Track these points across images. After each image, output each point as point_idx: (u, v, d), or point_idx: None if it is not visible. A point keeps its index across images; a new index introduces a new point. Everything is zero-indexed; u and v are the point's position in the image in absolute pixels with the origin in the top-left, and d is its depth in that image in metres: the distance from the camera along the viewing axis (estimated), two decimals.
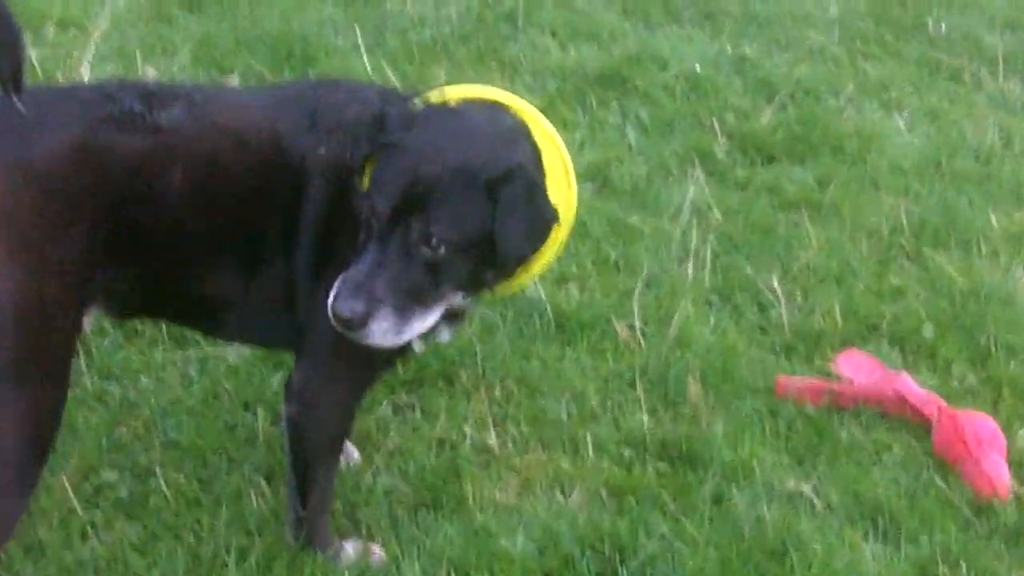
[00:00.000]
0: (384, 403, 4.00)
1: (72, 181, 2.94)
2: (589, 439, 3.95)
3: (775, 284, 4.63)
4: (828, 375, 4.31)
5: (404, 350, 3.37)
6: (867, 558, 3.60)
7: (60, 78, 5.23)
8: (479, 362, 4.20)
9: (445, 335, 3.44)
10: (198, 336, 4.15)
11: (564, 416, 4.06)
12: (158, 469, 3.68)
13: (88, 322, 3.21)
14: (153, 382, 4.03)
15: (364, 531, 3.59)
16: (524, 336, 4.35)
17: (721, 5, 6.60)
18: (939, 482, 3.91)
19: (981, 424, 4.02)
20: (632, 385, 4.19)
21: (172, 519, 3.55)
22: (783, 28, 6.45)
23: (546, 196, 3.13)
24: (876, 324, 4.54)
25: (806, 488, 3.83)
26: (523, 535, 3.55)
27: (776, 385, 4.23)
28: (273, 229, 3.27)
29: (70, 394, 3.33)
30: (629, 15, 6.44)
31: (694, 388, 4.17)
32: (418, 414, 4.02)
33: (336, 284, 3.08)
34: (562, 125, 5.41)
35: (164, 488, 3.62)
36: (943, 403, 4.13)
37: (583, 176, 5.07)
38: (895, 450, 4.03)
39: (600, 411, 4.10)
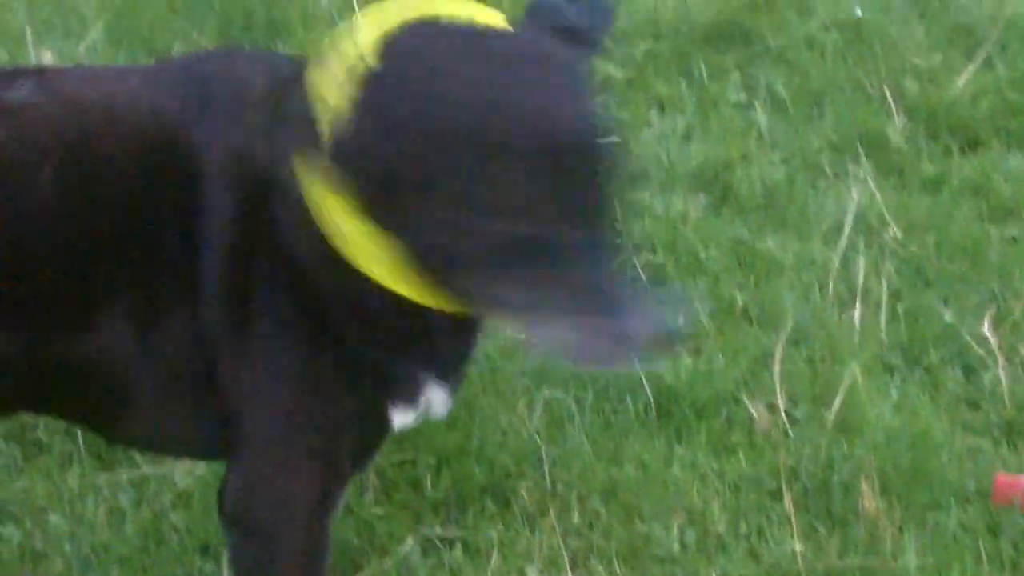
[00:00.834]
0: (408, 539, 3.99)
1: None
2: None
3: (987, 334, 4.59)
4: None
5: (383, 427, 3.40)
6: None
7: None
8: (546, 471, 4.18)
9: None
10: (128, 454, 4.19)
11: (676, 547, 4.03)
12: None
13: None
14: (68, 520, 4.04)
15: None
16: (612, 428, 4.33)
17: None
18: None
19: None
20: (777, 496, 4.15)
21: None
22: None
23: None
24: None
25: None
26: None
27: (995, 487, 4.18)
28: (167, 259, 3.26)
29: None
30: None
31: (870, 496, 4.12)
32: (458, 552, 4.00)
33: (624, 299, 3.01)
34: (658, 105, 5.44)
35: None
36: None
37: (691, 182, 5.10)
38: None
39: (729, 538, 4.06)
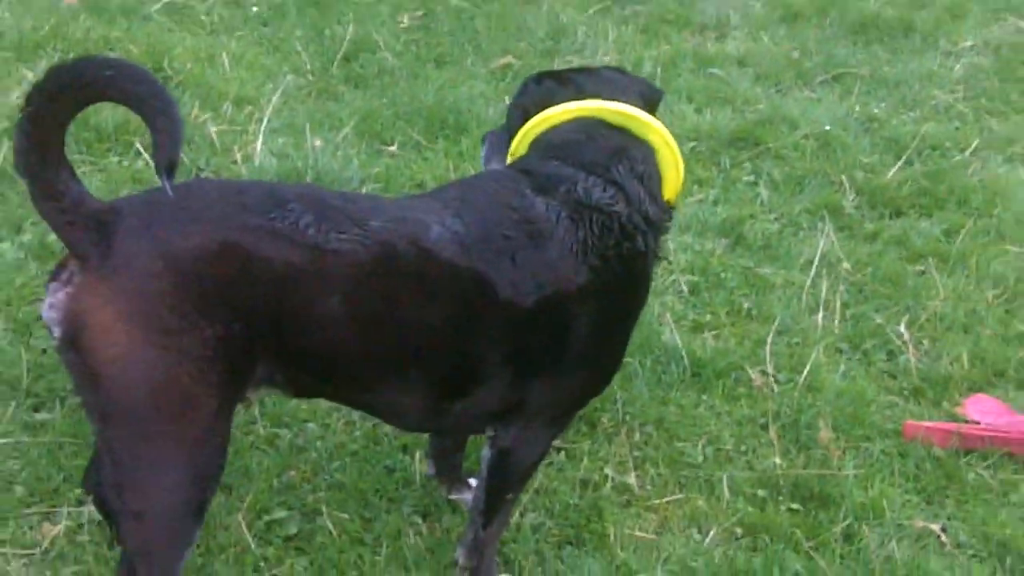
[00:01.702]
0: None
1: (211, 278, 2.83)
2: (724, 480, 3.93)
3: (903, 332, 4.60)
4: (955, 418, 4.25)
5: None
6: None
7: (236, 151, 5.34)
8: (619, 407, 4.19)
9: None
10: None
11: (700, 458, 4.05)
12: (324, 508, 3.72)
13: (258, 395, 3.23)
14: (319, 428, 4.05)
15: (515, 565, 3.59)
16: (662, 383, 4.34)
17: (850, 68, 6.56)
18: None
19: None
20: (765, 429, 4.17)
21: (336, 555, 3.59)
22: (910, 88, 6.40)
23: None
24: (1003, 369, 4.49)
25: (935, 527, 3.80)
26: (661, 571, 3.55)
27: (904, 428, 4.18)
28: (482, 359, 3.14)
29: (245, 440, 3.40)
30: (761, 80, 6.43)
31: (825, 432, 4.15)
32: (563, 456, 4.01)
33: None
34: (697, 183, 5.43)
35: (329, 526, 3.66)
36: None
37: (717, 231, 5.10)
38: (1022, 490, 3.98)
39: (735, 454, 4.09)
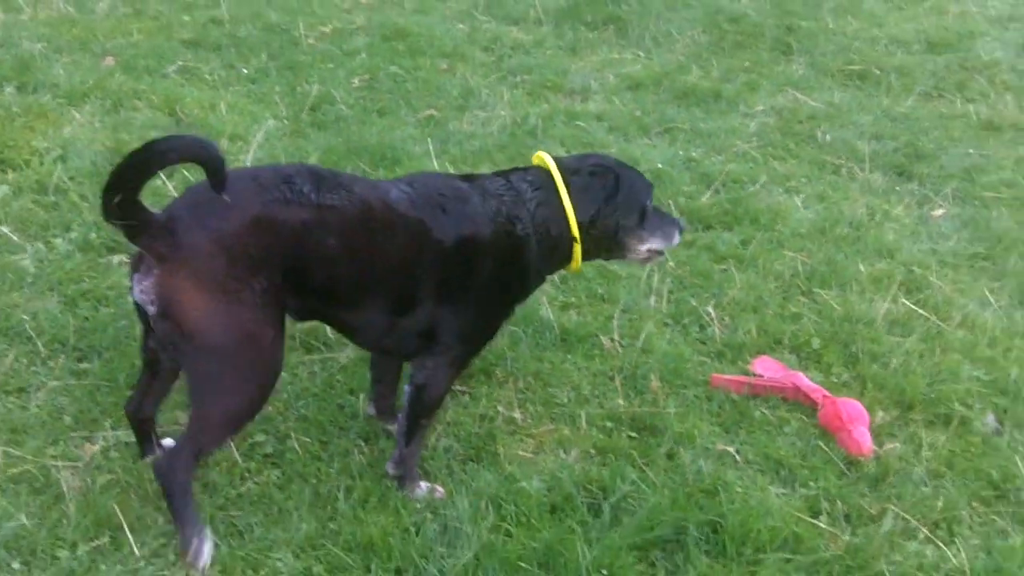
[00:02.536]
0: None
1: (251, 246, 3.01)
2: (583, 416, 3.95)
3: (711, 311, 4.63)
4: (747, 373, 4.30)
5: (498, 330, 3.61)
6: (772, 497, 3.61)
7: None
8: (508, 363, 4.21)
9: None
10: (320, 344, 4.20)
11: (566, 400, 4.06)
12: (292, 434, 3.72)
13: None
14: (288, 376, 4.03)
15: (432, 476, 3.61)
16: (539, 345, 4.35)
17: (677, 123, 6.59)
18: (823, 445, 3.91)
19: (852, 406, 4.02)
20: (612, 379, 4.19)
21: (302, 468, 3.60)
22: (718, 139, 6.44)
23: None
24: (780, 338, 4.53)
25: (731, 449, 3.84)
26: (538, 480, 3.57)
27: (711, 379, 4.22)
28: (420, 285, 3.33)
29: None
30: (613, 131, 6.44)
31: (655, 381, 4.17)
32: (467, 398, 4.03)
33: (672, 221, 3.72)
34: None
35: (296, 447, 3.66)
36: (826, 392, 4.13)
37: None
38: (792, 424, 4.03)
39: (591, 396, 4.10)
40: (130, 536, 3.21)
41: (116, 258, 4.52)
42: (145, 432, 3.49)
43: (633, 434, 3.90)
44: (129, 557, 3.17)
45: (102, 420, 3.70)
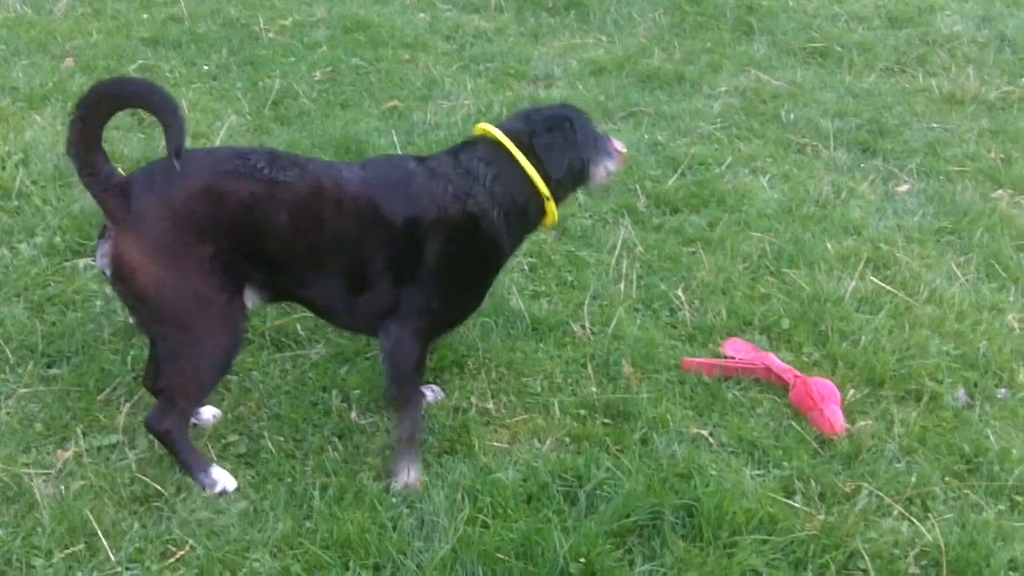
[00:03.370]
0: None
1: (199, 213, 3.14)
2: (556, 404, 3.95)
3: (680, 295, 4.64)
4: (718, 355, 4.30)
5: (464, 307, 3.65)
6: (747, 478, 3.62)
7: None
8: (480, 354, 4.20)
9: None
10: (291, 342, 4.18)
11: (539, 389, 4.06)
12: (266, 433, 3.71)
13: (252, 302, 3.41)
14: (261, 374, 4.03)
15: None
16: (511, 335, 4.34)
17: (641, 107, 6.59)
18: (795, 425, 3.92)
19: (823, 384, 4.03)
20: (584, 366, 4.19)
21: (275, 467, 3.59)
22: (683, 121, 6.44)
23: None
24: (750, 320, 4.55)
25: (705, 432, 3.85)
26: (512, 470, 3.58)
27: (682, 363, 4.23)
28: (372, 263, 3.39)
29: None
30: None
31: (627, 367, 4.17)
32: (440, 390, 4.02)
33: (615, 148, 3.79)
34: None
35: (270, 446, 3.65)
36: (797, 371, 4.14)
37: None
38: (765, 404, 4.05)
39: (563, 385, 4.10)
40: (105, 542, 3.20)
41: (82, 262, 4.49)
42: None
43: (607, 420, 3.90)
44: (105, 563, 3.16)
45: (73, 426, 3.67)
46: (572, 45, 7.59)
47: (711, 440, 3.82)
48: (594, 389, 4.06)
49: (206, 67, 6.76)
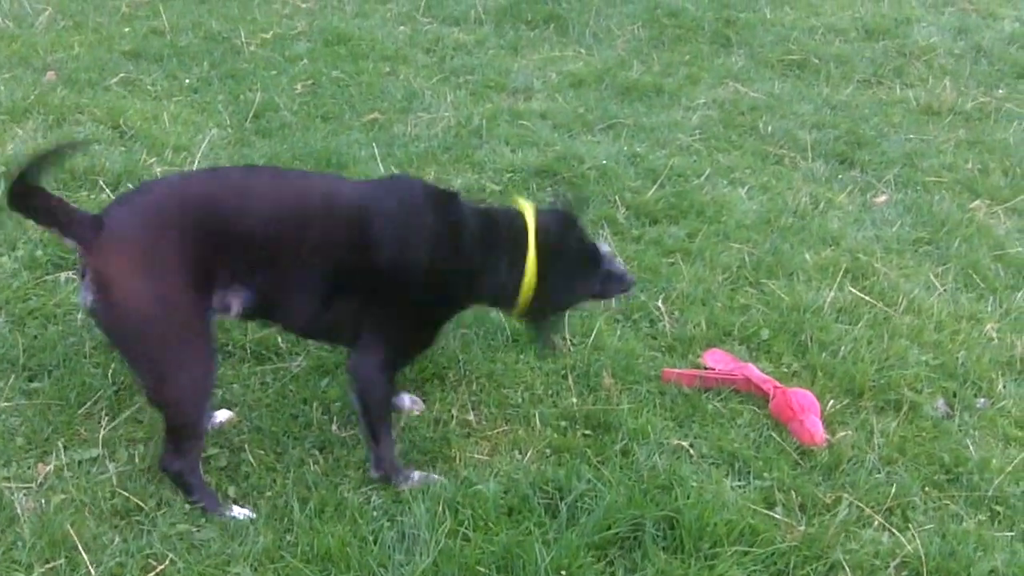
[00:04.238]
0: (399, 395, 3.98)
1: (169, 236, 3.09)
2: (537, 416, 3.94)
3: (660, 306, 4.64)
4: (698, 366, 4.30)
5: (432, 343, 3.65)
6: (727, 490, 3.62)
7: None
8: (461, 365, 4.19)
9: None
10: (271, 355, 4.16)
11: (519, 400, 4.05)
12: (246, 446, 3.69)
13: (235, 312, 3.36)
14: (241, 388, 4.00)
15: (389, 485, 3.59)
16: (491, 347, 4.32)
17: (620, 119, 6.59)
18: (776, 436, 3.93)
19: (803, 395, 4.04)
20: (565, 378, 4.18)
21: (257, 480, 3.57)
22: (661, 133, 6.44)
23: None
24: (730, 330, 4.55)
25: (685, 444, 3.85)
26: (493, 482, 3.56)
27: (663, 374, 4.22)
28: (349, 270, 3.35)
29: None
30: (558, 128, 6.42)
31: (607, 378, 4.17)
32: (417, 394, 4.01)
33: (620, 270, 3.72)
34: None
35: (251, 459, 3.63)
36: (777, 382, 4.14)
37: None
38: (745, 415, 4.04)
39: (544, 396, 4.09)
40: (85, 556, 3.17)
41: (63, 275, 4.45)
42: None
43: (587, 432, 3.89)
44: None
45: (54, 439, 3.64)
46: (551, 58, 7.59)
47: (692, 451, 3.82)
48: (574, 400, 4.05)
49: (187, 80, 6.73)
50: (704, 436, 3.91)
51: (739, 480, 3.71)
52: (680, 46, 8.01)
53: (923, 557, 3.38)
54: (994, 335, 4.62)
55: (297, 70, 6.98)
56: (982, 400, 4.24)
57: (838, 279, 4.89)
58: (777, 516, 3.52)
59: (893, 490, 3.67)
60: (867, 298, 4.79)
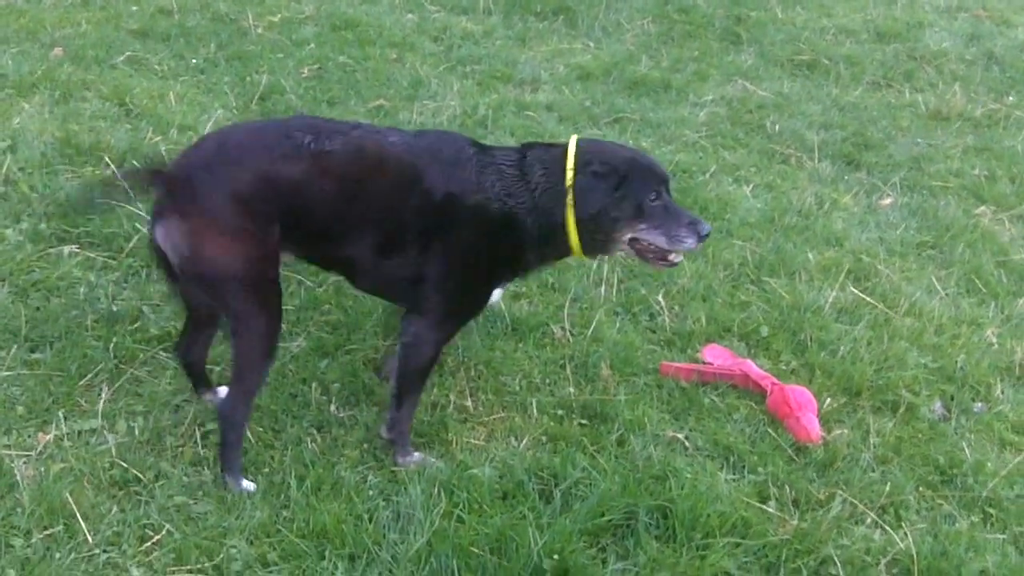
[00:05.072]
0: None
1: (260, 198, 3.34)
2: (534, 403, 4.02)
3: (661, 300, 4.70)
4: (697, 361, 4.37)
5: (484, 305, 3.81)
6: (721, 482, 3.70)
7: None
8: (460, 352, 4.25)
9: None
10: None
11: (517, 388, 4.12)
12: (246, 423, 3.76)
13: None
14: None
15: (382, 465, 3.67)
16: (490, 335, 4.39)
17: (627, 114, 6.65)
18: (771, 432, 4.00)
19: (800, 392, 4.11)
20: (563, 368, 4.25)
21: (255, 456, 3.64)
22: (668, 129, 6.50)
23: None
24: (729, 327, 4.62)
25: (681, 436, 3.92)
26: (489, 467, 3.64)
27: (661, 367, 4.30)
28: (406, 229, 3.50)
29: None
30: (564, 121, 6.48)
31: (605, 369, 4.24)
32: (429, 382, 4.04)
33: (687, 223, 3.56)
34: None
35: (250, 435, 3.69)
36: (775, 379, 4.22)
37: None
38: (741, 410, 4.12)
39: (541, 385, 4.16)
40: (83, 524, 3.25)
41: (67, 248, 4.52)
42: (195, 373, 3.85)
43: (584, 421, 3.97)
44: (83, 545, 3.21)
45: (55, 409, 3.72)
46: (559, 50, 7.65)
47: (687, 444, 3.89)
48: (572, 390, 4.12)
49: (194, 61, 6.79)
50: (700, 429, 3.98)
51: (733, 473, 3.78)
52: (689, 42, 8.08)
53: (914, 555, 3.45)
54: (994, 340, 4.70)
55: (304, 54, 7.04)
56: (980, 404, 4.32)
57: (840, 279, 4.96)
58: (770, 510, 3.60)
59: (887, 489, 3.75)
60: (868, 299, 4.86)
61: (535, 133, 6.18)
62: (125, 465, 3.50)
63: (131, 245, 4.56)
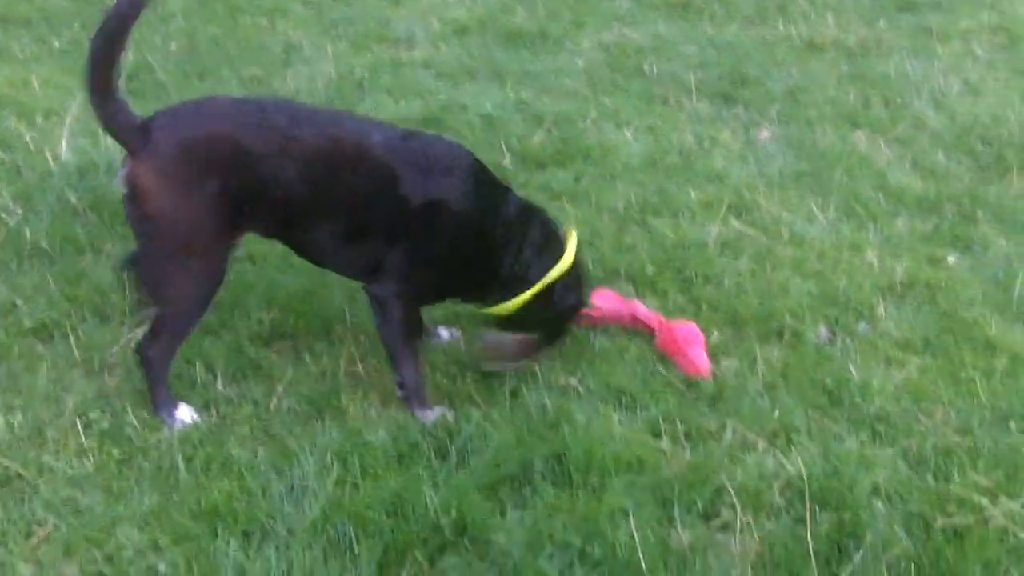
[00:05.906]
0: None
1: (211, 157, 3.43)
2: (427, 364, 3.96)
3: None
4: None
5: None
6: (615, 424, 3.71)
7: (47, 151, 5.18)
8: (348, 318, 4.20)
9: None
10: None
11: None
12: (129, 408, 3.69)
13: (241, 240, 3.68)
14: (121, 349, 3.94)
15: (277, 439, 3.62)
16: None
17: (505, 67, 6.64)
18: (662, 369, 4.03)
19: (688, 329, 4.15)
20: (454, 325, 4.24)
21: (141, 442, 3.58)
22: (547, 79, 6.50)
23: None
24: (616, 269, 4.64)
25: (573, 381, 3.94)
26: (383, 431, 3.61)
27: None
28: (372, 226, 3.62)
29: None
30: (441, 77, 6.46)
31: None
32: (307, 357, 4.02)
33: None
34: None
35: (134, 421, 3.63)
36: (662, 317, 4.25)
37: None
38: (631, 351, 4.14)
39: (433, 344, 4.14)
40: None
41: None
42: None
43: (476, 375, 3.95)
44: None
45: None
46: (433, 5, 7.61)
47: (580, 389, 3.90)
48: (463, 347, 4.10)
49: (57, 44, 6.64)
50: (592, 373, 3.98)
51: (627, 413, 3.80)
52: None
53: (805, 477, 3.50)
54: (875, 262, 4.77)
55: (171, 28, 6.91)
56: (864, 325, 4.39)
57: (722, 214, 5.01)
58: (663, 447, 3.63)
59: (776, 415, 3.80)
60: (750, 232, 4.91)
61: (414, 92, 6.15)
62: (6, 463, 3.41)
63: None
